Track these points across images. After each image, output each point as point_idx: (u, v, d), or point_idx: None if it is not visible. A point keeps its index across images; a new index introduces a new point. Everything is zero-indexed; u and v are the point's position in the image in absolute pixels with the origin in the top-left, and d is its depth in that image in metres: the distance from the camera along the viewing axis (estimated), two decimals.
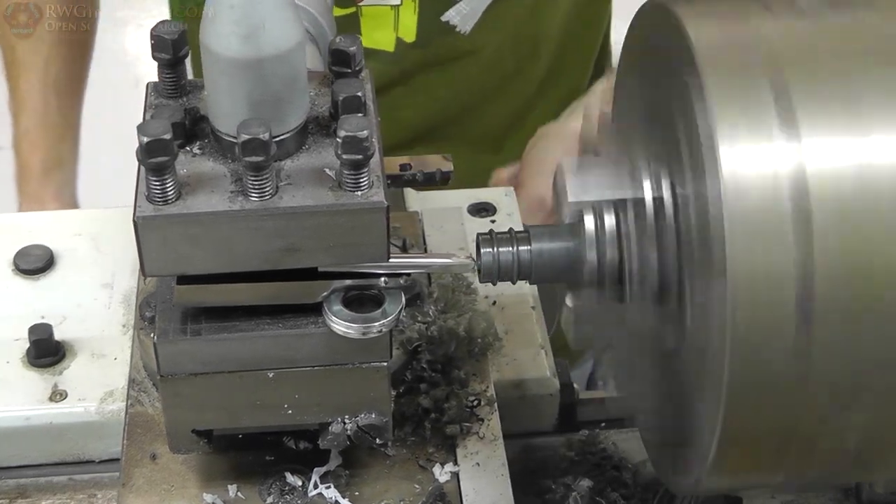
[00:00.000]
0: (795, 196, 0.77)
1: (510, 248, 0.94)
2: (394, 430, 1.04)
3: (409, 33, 1.61)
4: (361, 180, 0.87)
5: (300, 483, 1.01)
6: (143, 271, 0.88)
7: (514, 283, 0.96)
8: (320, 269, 0.90)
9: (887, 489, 1.10)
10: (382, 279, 0.91)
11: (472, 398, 1.06)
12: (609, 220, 0.91)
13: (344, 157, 0.86)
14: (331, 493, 1.00)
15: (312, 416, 0.96)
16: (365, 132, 0.85)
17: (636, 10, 0.94)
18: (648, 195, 0.88)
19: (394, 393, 0.99)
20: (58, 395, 1.11)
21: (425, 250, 1.17)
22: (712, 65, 0.80)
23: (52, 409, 1.10)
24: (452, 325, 1.07)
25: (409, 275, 0.93)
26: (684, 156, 0.83)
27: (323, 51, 1.18)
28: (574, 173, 0.93)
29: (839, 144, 0.78)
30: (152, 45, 0.93)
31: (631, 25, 0.95)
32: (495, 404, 1.07)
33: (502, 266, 0.94)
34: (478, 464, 1.03)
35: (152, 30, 0.93)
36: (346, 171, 0.87)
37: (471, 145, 1.67)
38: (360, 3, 1.60)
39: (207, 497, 1.00)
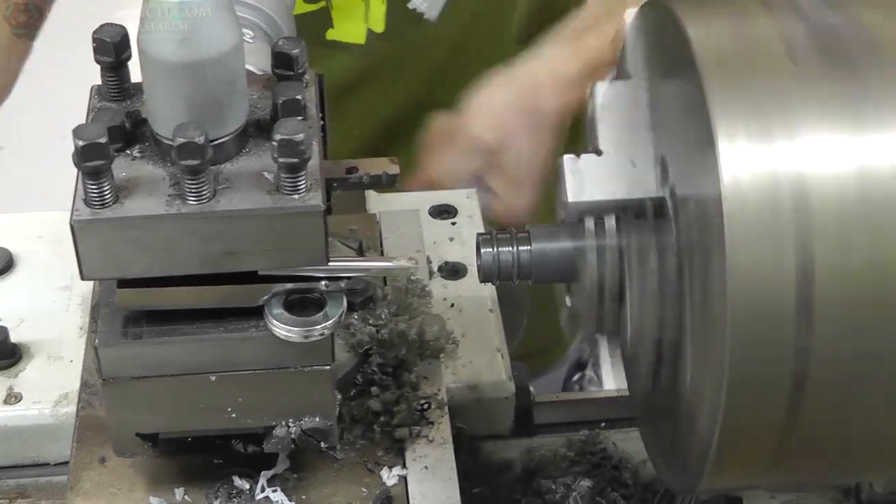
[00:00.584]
0: (795, 196, 0.76)
1: (510, 248, 0.94)
2: (343, 433, 1.04)
3: (378, 24, 1.60)
4: (299, 184, 0.87)
5: (248, 486, 1.01)
6: (81, 274, 0.88)
7: (514, 282, 0.95)
8: (260, 273, 0.90)
9: (887, 489, 1.10)
10: (323, 282, 0.91)
11: (422, 401, 1.06)
12: (609, 221, 0.90)
13: (280, 160, 0.86)
14: (277, 496, 1.00)
15: (256, 419, 0.96)
16: (301, 136, 0.85)
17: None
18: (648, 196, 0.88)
19: (339, 396, 0.99)
20: (13, 398, 1.11)
21: (382, 253, 1.17)
22: (712, 64, 0.79)
23: (6, 412, 1.10)
24: (404, 329, 1.06)
25: (349, 278, 0.92)
26: (684, 156, 0.83)
27: None
28: (573, 173, 0.93)
29: (839, 145, 0.77)
30: (94, 49, 0.93)
31: (631, 26, 0.96)
32: (446, 407, 1.06)
33: (502, 266, 0.94)
34: (426, 467, 1.02)
35: (94, 32, 0.92)
36: (283, 175, 0.87)
37: None
38: None
39: (154, 500, 1.00)
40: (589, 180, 0.92)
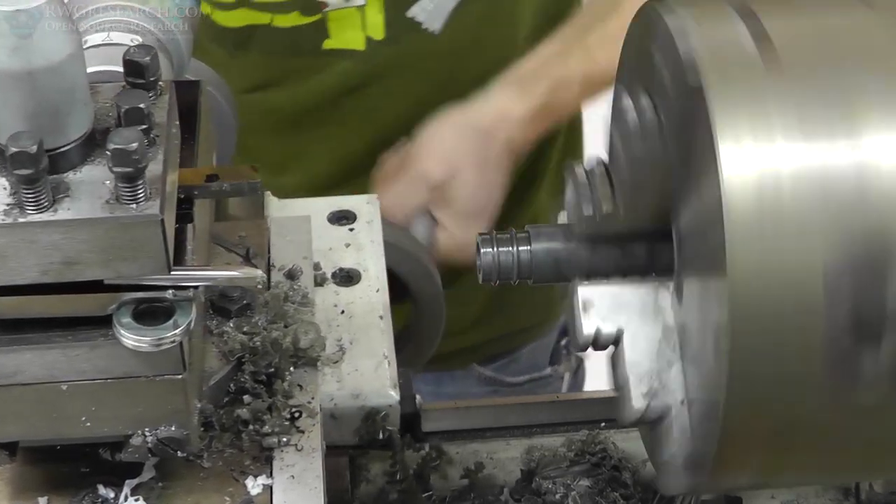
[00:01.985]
0: (796, 196, 0.77)
1: (510, 249, 0.93)
2: (212, 442, 1.04)
3: (377, 31, 1.61)
4: (138, 193, 0.87)
5: (112, 495, 1.00)
6: None
7: (514, 283, 0.95)
8: (106, 282, 0.90)
9: (887, 489, 1.11)
10: (169, 291, 0.91)
11: (294, 410, 1.05)
12: (599, 171, 0.90)
13: (115, 169, 0.85)
14: None
15: (111, 428, 0.96)
16: (135, 145, 0.85)
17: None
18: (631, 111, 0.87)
19: (199, 405, 0.98)
20: None
21: (269, 260, 1.17)
22: (713, 64, 0.80)
23: None
24: (277, 336, 1.06)
25: (195, 287, 0.92)
26: (684, 155, 0.83)
27: (175, 62, 1.18)
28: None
29: (839, 145, 0.77)
30: None
31: (629, 32, 0.95)
32: (317, 416, 1.06)
33: (502, 266, 0.93)
34: (293, 476, 1.02)
35: None
36: (120, 184, 0.86)
37: None
38: (325, 9, 1.60)
39: None
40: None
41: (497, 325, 1.86)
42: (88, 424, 0.95)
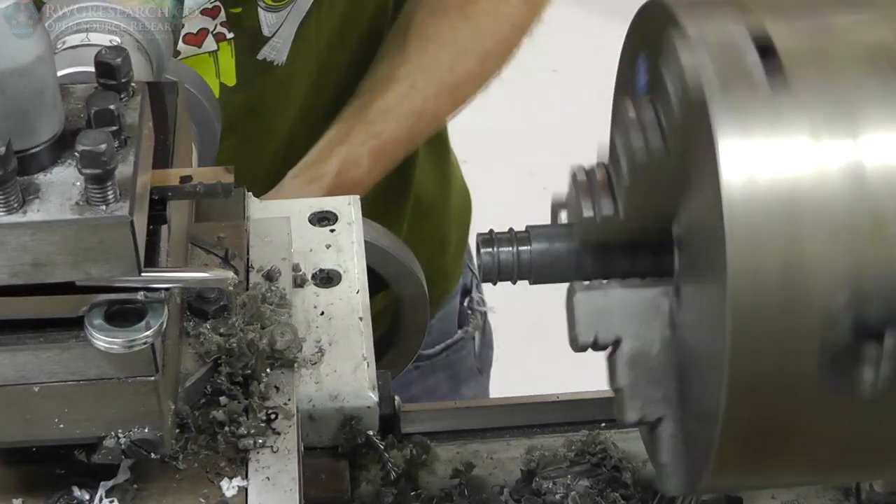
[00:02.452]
0: (795, 196, 0.77)
1: (510, 248, 0.93)
2: (187, 443, 1.03)
3: (229, 77, 1.60)
4: (108, 195, 0.87)
5: (87, 497, 1.00)
6: None
7: (514, 283, 0.95)
8: (78, 283, 0.90)
9: (887, 489, 1.11)
10: (140, 293, 0.91)
11: (270, 411, 1.05)
12: (601, 173, 0.90)
13: (83, 171, 0.85)
14: None
15: (84, 430, 0.96)
16: (103, 146, 0.84)
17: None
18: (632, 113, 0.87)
19: (174, 406, 0.98)
20: None
21: (248, 261, 1.17)
22: (715, 76, 0.79)
23: None
24: (253, 338, 1.06)
25: (167, 289, 0.92)
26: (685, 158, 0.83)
27: (155, 62, 1.18)
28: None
29: (839, 145, 0.77)
30: None
31: (628, 33, 0.95)
32: (294, 417, 1.05)
33: (502, 266, 0.93)
34: (268, 478, 1.02)
35: None
36: (89, 186, 0.86)
37: None
38: (179, 57, 1.56)
39: None
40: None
41: None
42: (61, 426, 0.95)
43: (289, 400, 1.07)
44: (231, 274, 0.93)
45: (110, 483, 1.01)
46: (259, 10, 1.55)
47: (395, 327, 1.39)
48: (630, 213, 0.88)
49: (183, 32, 1.50)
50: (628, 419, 0.91)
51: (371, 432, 1.13)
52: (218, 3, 1.51)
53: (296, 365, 1.09)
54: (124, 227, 0.87)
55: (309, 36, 1.60)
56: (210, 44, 1.56)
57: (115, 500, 1.00)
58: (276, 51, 1.59)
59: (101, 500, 1.00)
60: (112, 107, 0.90)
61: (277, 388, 1.07)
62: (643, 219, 0.89)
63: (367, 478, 1.16)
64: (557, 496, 1.11)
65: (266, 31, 1.57)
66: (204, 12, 1.52)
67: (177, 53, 1.47)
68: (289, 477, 1.02)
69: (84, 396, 0.94)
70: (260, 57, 1.59)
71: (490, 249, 0.93)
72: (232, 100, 1.59)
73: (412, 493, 1.15)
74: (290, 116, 1.66)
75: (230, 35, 1.56)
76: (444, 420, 1.24)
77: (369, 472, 1.17)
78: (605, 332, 0.90)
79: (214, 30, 1.55)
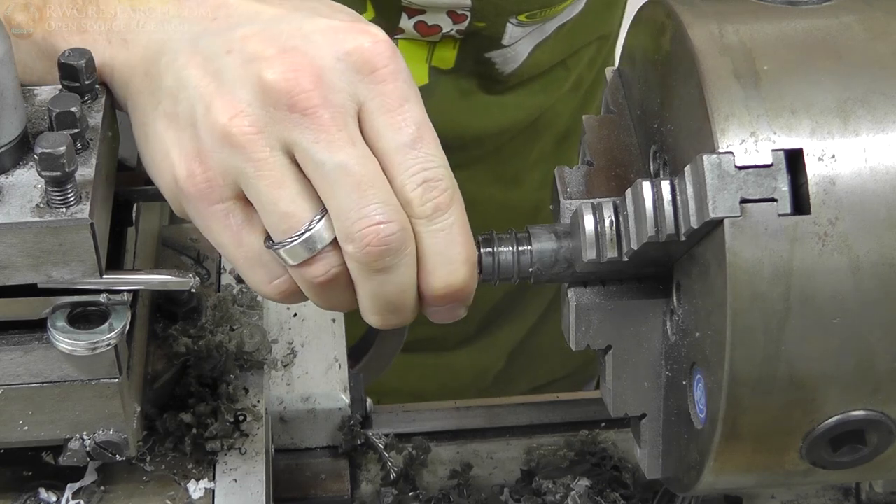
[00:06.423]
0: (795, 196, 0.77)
1: (510, 249, 0.93)
2: (155, 445, 1.03)
3: (446, 63, 1.54)
4: (68, 197, 0.87)
5: (54, 499, 1.01)
6: None
7: (514, 283, 0.94)
8: (40, 286, 0.90)
9: (887, 489, 1.10)
10: (103, 295, 0.91)
11: (238, 413, 1.05)
12: (608, 219, 0.89)
13: (43, 174, 0.85)
14: None
15: (49, 432, 0.96)
16: (62, 149, 0.84)
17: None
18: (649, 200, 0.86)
19: (139, 408, 0.98)
20: None
21: (220, 263, 1.17)
22: (713, 64, 0.80)
23: None
24: (222, 340, 1.06)
25: (129, 291, 0.91)
26: (684, 156, 0.83)
27: None
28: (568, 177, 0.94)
29: (839, 145, 0.77)
30: None
31: (629, 33, 0.96)
32: (262, 419, 1.05)
33: (502, 266, 0.93)
34: (235, 480, 1.02)
35: None
36: (49, 188, 0.86)
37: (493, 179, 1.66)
38: (401, 36, 1.50)
39: None
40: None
41: (520, 382, 1.78)
42: (26, 428, 0.95)
43: (258, 402, 1.07)
44: (193, 278, 0.92)
45: (77, 485, 1.01)
46: (509, 24, 1.50)
47: (373, 330, 1.39)
48: (634, 260, 0.88)
49: (417, 18, 1.46)
50: (613, 414, 0.92)
51: (371, 432, 1.13)
52: (466, 13, 1.45)
53: (266, 367, 1.09)
54: (84, 229, 0.87)
55: (539, 56, 1.57)
56: (434, 38, 1.51)
57: (82, 502, 1.00)
58: (504, 59, 1.54)
59: (67, 501, 1.00)
60: (74, 109, 0.89)
61: (247, 390, 1.07)
62: (646, 264, 0.89)
63: (367, 478, 1.16)
64: (557, 496, 1.11)
65: (506, 41, 1.52)
66: (450, 14, 1.46)
67: (400, 31, 1.45)
68: (256, 479, 1.02)
69: (48, 398, 0.94)
70: (487, 55, 1.53)
71: (490, 249, 0.93)
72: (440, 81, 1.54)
73: (412, 494, 1.15)
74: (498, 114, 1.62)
75: (460, 37, 1.51)
76: (444, 420, 1.23)
77: (369, 472, 1.17)
78: (596, 341, 0.91)
79: (449, 31, 1.49)
